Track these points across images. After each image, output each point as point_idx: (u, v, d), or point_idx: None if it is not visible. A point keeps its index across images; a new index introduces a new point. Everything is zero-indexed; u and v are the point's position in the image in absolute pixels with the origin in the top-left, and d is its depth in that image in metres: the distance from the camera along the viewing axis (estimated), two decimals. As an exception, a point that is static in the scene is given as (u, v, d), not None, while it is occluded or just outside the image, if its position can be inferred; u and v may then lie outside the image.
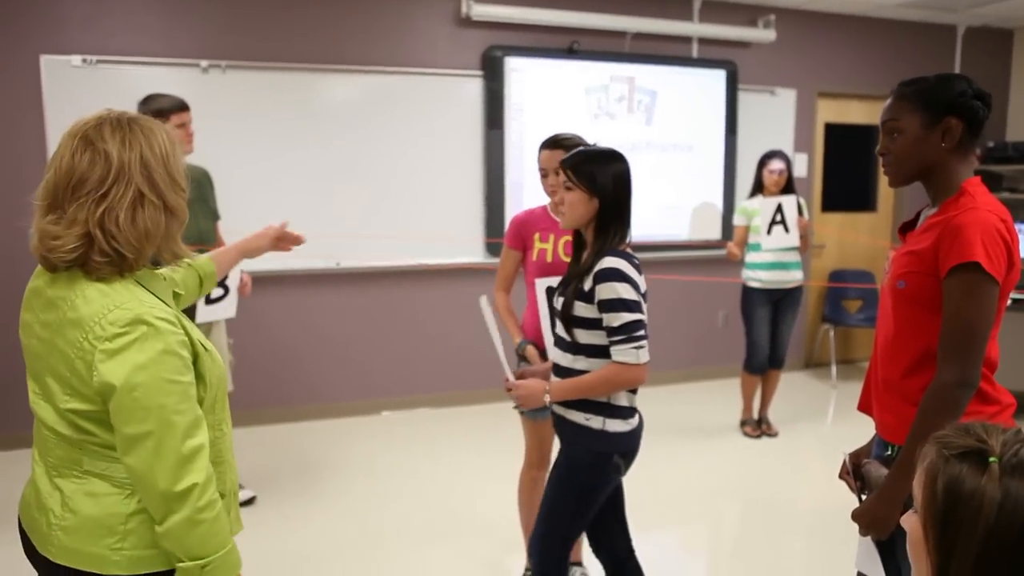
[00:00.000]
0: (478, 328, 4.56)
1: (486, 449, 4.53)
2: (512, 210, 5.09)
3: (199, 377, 1.45)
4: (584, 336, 2.18)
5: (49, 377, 1.41)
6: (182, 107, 3.51)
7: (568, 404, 2.21)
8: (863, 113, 6.48)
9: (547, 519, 2.26)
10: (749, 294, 4.80)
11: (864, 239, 6.62)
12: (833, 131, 6.43)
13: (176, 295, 1.68)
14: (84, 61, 4.46)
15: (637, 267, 2.18)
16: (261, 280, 4.59)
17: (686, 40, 5.78)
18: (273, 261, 4.74)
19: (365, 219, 5.00)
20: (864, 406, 1.97)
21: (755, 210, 4.69)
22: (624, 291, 2.10)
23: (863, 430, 2.03)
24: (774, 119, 6.10)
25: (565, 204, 2.22)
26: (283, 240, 2.13)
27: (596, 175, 2.18)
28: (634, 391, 2.24)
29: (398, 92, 5.06)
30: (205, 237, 3.66)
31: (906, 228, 1.90)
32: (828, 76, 6.26)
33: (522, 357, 2.84)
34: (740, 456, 4.58)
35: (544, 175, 2.80)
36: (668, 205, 5.78)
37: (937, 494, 0.99)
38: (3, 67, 4.38)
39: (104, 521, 1.41)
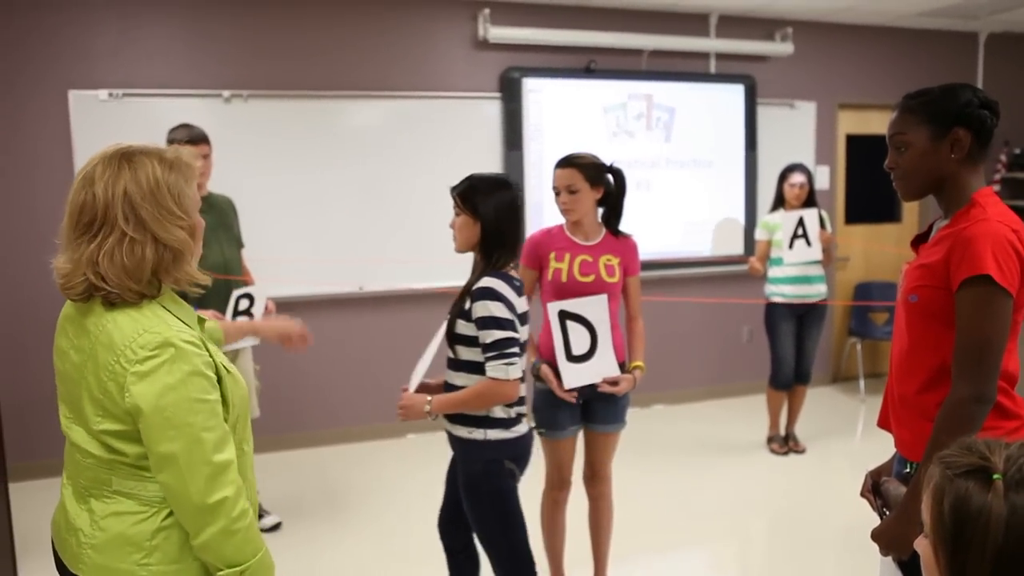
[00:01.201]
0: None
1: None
2: (532, 231, 5.11)
3: (222, 398, 1.50)
4: (465, 353, 2.32)
5: (82, 400, 1.47)
6: (192, 140, 3.58)
7: (453, 420, 2.36)
8: (885, 123, 6.33)
9: (484, 545, 2.41)
10: (773, 309, 4.79)
11: (890, 250, 6.56)
12: (855, 142, 6.40)
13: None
14: (111, 95, 4.58)
15: (518, 289, 2.32)
16: (286, 306, 4.65)
17: (703, 56, 5.80)
18: (298, 287, 4.82)
19: (387, 243, 5.06)
20: (883, 422, 1.95)
21: (777, 224, 4.68)
22: (497, 310, 2.23)
23: (892, 446, 2.02)
24: (794, 132, 6.09)
25: (455, 227, 2.36)
26: (290, 340, 2.10)
27: (479, 202, 2.31)
28: (514, 403, 2.35)
29: (417, 116, 5.13)
30: (231, 265, 3.73)
31: (919, 241, 1.90)
32: (848, 87, 6.24)
33: (537, 377, 2.85)
34: (767, 473, 4.54)
35: (557, 193, 2.83)
36: (690, 222, 5.78)
37: (944, 515, 0.98)
38: (33, 103, 4.50)
39: (132, 538, 1.47)
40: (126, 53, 4.63)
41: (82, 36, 4.55)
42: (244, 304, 3.58)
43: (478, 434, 2.33)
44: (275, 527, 3.87)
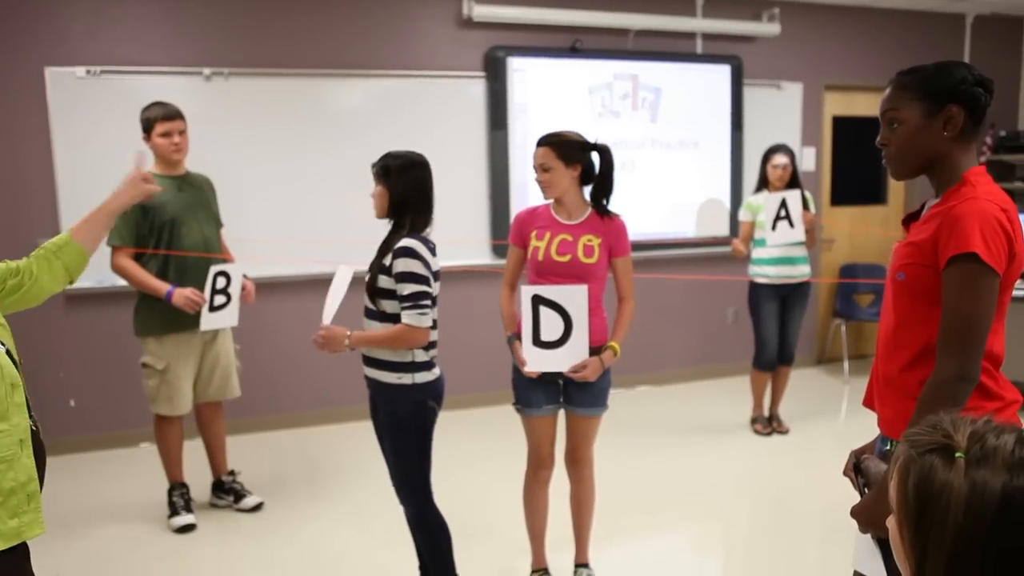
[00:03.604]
0: (485, 330, 4.56)
1: (493, 451, 4.52)
2: (517, 211, 5.08)
3: None
4: (385, 305, 2.59)
5: None
6: (167, 116, 3.53)
7: (380, 367, 2.62)
8: (871, 105, 6.42)
9: (400, 469, 2.68)
10: (756, 290, 4.77)
11: (875, 232, 6.56)
12: (841, 124, 6.38)
13: (18, 286, 1.78)
14: (88, 72, 4.49)
15: (432, 249, 2.63)
16: (266, 286, 4.60)
17: (690, 36, 5.75)
18: (279, 267, 4.76)
19: (370, 223, 4.98)
20: (868, 401, 1.93)
21: (760, 206, 4.65)
22: (415, 266, 2.53)
23: (876, 426, 2.01)
24: (780, 113, 6.06)
25: (374, 198, 2.68)
26: (138, 182, 2.04)
27: (391, 174, 2.65)
28: (430, 347, 2.65)
29: (401, 95, 5.06)
30: (209, 244, 3.67)
31: (910, 220, 1.87)
32: (835, 69, 6.21)
33: (511, 349, 2.88)
34: (751, 454, 4.54)
35: (536, 172, 2.81)
36: (674, 203, 5.74)
37: (908, 493, 0.97)
38: (8, 79, 4.41)
39: None
40: (104, 30, 4.53)
41: (58, 12, 4.45)
42: (222, 282, 3.54)
43: (407, 379, 2.60)
44: (257, 507, 3.84)
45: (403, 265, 2.53)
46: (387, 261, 2.57)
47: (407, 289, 2.53)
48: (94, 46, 4.52)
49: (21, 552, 1.61)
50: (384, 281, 2.58)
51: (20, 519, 1.55)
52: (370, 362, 2.67)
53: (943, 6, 6.29)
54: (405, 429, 2.64)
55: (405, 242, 2.56)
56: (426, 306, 2.55)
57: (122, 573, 3.30)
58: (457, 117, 5.20)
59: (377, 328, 2.62)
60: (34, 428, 1.65)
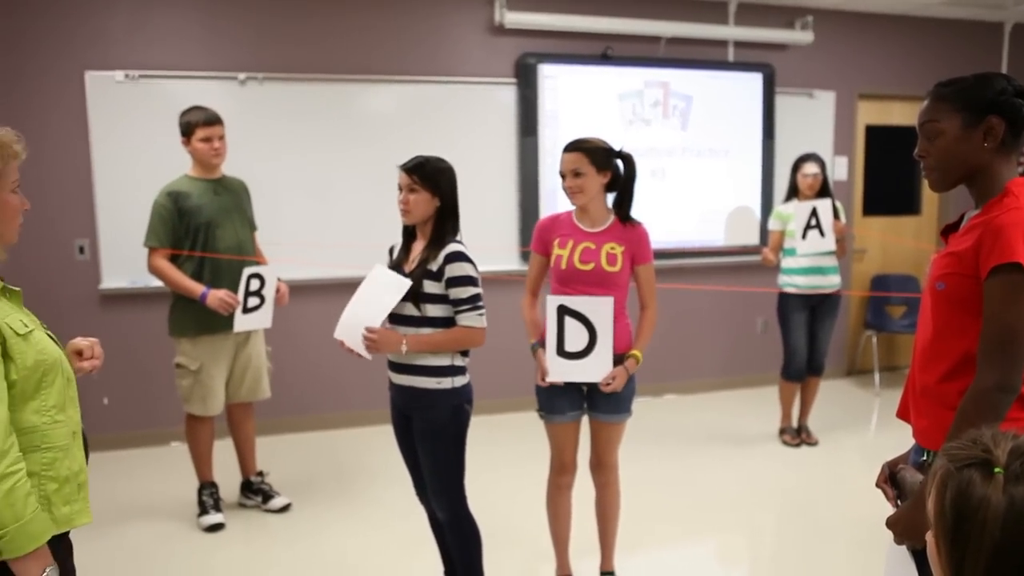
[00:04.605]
0: (510, 336, 4.56)
1: (519, 456, 4.52)
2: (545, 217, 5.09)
3: (7, 358, 1.54)
4: (433, 310, 2.57)
5: None
6: (208, 122, 3.58)
7: (418, 373, 2.59)
8: (906, 114, 6.35)
9: (441, 476, 2.66)
10: (786, 300, 4.73)
11: (908, 243, 6.48)
12: (874, 133, 6.31)
13: None
14: (127, 76, 4.57)
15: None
16: (299, 289, 4.64)
17: (722, 44, 5.73)
18: (310, 270, 4.81)
19: (399, 228, 5.02)
20: (903, 412, 1.91)
21: (790, 215, 4.61)
22: (469, 269, 2.55)
23: (908, 439, 1.98)
24: (813, 122, 6.01)
25: (410, 204, 2.59)
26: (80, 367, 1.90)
27: (440, 181, 2.61)
28: (465, 353, 2.65)
29: (432, 101, 5.10)
30: (244, 247, 3.72)
31: (949, 230, 1.85)
32: (868, 77, 6.15)
33: (535, 357, 2.87)
34: (779, 465, 4.50)
35: (563, 178, 2.81)
36: (705, 211, 5.72)
37: (945, 507, 0.96)
38: (50, 83, 4.51)
39: None
40: (142, 34, 4.61)
41: (97, 17, 4.54)
42: (255, 284, 3.58)
43: (447, 383, 2.60)
44: (284, 508, 3.87)
45: (458, 269, 2.53)
46: (434, 266, 2.55)
47: (465, 292, 2.54)
48: (132, 51, 4.60)
49: (68, 542, 1.69)
50: (431, 286, 2.55)
51: (71, 507, 1.62)
52: (406, 369, 2.62)
53: (981, 14, 6.20)
54: (444, 434, 2.62)
55: (455, 247, 2.57)
56: (482, 307, 2.57)
57: (151, 570, 3.34)
58: (488, 123, 5.22)
59: (427, 332, 2.57)
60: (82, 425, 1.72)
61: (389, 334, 2.56)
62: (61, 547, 1.62)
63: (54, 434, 1.60)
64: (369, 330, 2.55)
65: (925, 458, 1.80)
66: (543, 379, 2.79)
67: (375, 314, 2.58)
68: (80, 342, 1.85)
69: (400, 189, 2.64)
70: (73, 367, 1.78)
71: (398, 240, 2.80)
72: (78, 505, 1.64)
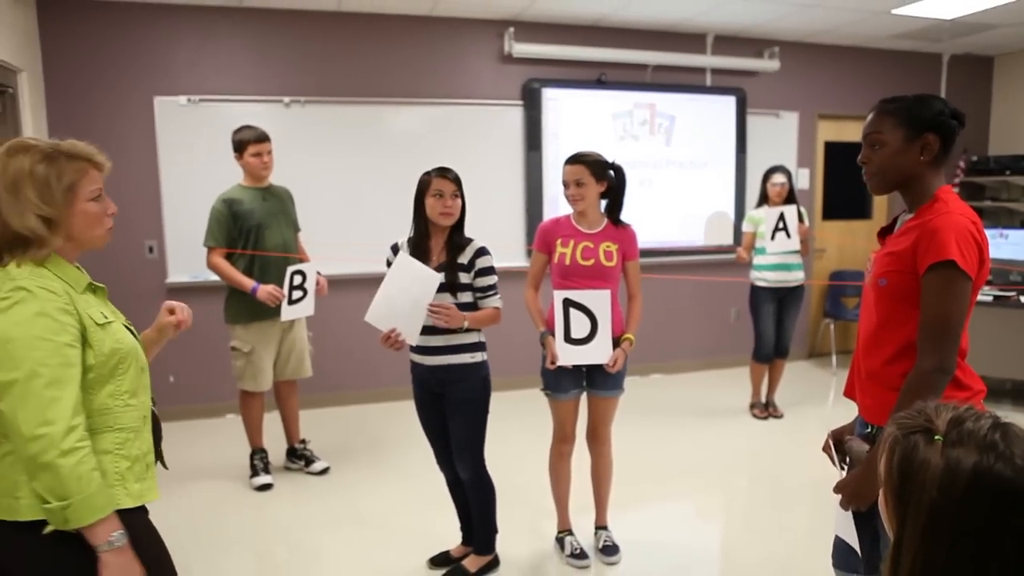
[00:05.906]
0: (515, 323, 4.56)
1: (526, 427, 4.52)
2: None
3: (87, 345, 1.46)
4: (464, 296, 2.61)
5: None
6: (258, 139, 3.59)
7: (456, 351, 2.62)
8: (859, 132, 6.18)
9: (472, 442, 2.68)
10: (756, 292, 4.72)
11: (861, 243, 6.45)
12: (832, 148, 6.27)
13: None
14: (189, 100, 4.59)
15: None
16: (335, 282, 4.65)
17: (700, 71, 5.71)
18: (345, 266, 4.82)
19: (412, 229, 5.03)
20: (849, 392, 1.91)
21: (760, 218, 4.60)
22: (492, 261, 2.65)
23: (857, 412, 1.98)
24: (779, 139, 5.98)
25: (453, 208, 2.61)
26: (169, 321, 1.84)
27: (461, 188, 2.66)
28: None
29: (450, 120, 5.10)
30: (289, 246, 3.74)
31: (884, 232, 1.85)
32: (827, 100, 6.12)
33: (543, 344, 2.85)
34: (749, 435, 4.50)
35: (566, 186, 2.81)
36: (686, 215, 5.71)
37: (893, 469, 0.97)
38: (124, 107, 4.53)
39: (6, 473, 1.43)
40: (202, 64, 4.63)
41: (166, 49, 4.56)
42: (298, 279, 3.59)
43: (479, 356, 2.67)
44: (324, 471, 3.89)
45: (486, 261, 2.63)
46: (464, 260, 2.61)
47: (492, 280, 2.64)
48: (194, 78, 4.62)
49: (143, 511, 1.61)
50: (464, 277, 2.61)
51: (142, 484, 1.55)
52: (439, 351, 2.62)
53: (922, 46, 6.16)
54: (477, 402, 2.66)
55: (480, 243, 2.65)
56: (498, 293, 2.67)
57: (210, 524, 3.37)
58: (498, 140, 5.22)
59: (469, 313, 2.61)
60: (153, 409, 1.66)
61: (456, 310, 2.54)
62: (135, 518, 1.54)
63: (125, 416, 1.53)
64: (443, 305, 2.52)
65: (869, 430, 1.80)
66: (552, 363, 2.78)
67: (419, 299, 2.52)
68: (174, 303, 1.81)
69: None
70: (162, 321, 1.75)
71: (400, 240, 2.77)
72: (147, 483, 1.57)
